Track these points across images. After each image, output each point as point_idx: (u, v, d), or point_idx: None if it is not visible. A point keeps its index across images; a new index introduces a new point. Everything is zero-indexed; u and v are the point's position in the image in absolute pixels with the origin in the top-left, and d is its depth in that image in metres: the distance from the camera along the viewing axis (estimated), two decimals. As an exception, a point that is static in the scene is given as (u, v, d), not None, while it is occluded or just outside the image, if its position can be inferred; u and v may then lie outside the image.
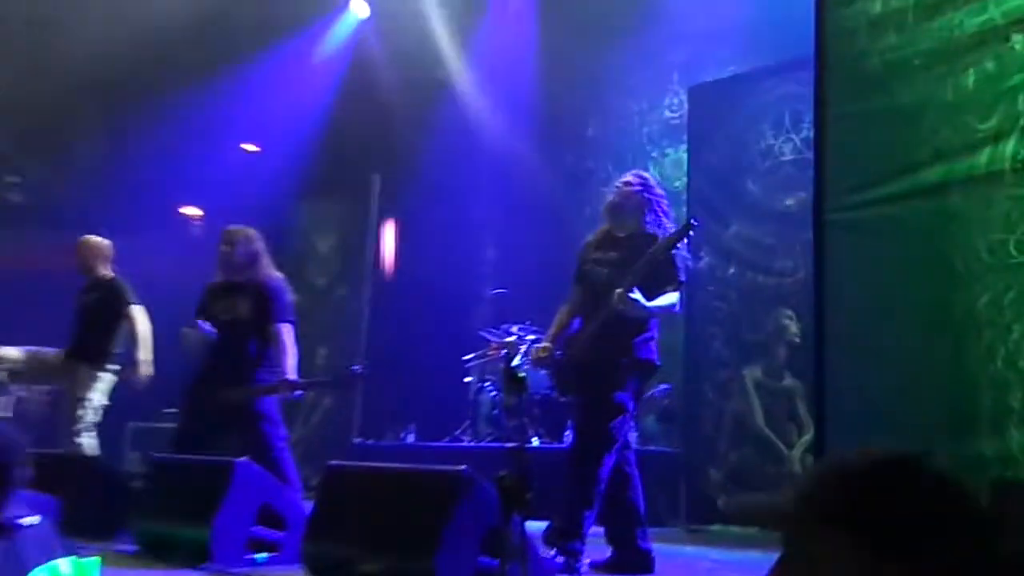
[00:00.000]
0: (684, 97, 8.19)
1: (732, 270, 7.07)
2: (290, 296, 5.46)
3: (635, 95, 9.01)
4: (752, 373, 6.85)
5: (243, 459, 4.50)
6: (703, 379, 7.10)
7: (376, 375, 8.53)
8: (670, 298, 4.33)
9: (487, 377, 8.08)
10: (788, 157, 6.89)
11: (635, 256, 4.33)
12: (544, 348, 4.61)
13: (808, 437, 6.28)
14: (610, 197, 4.59)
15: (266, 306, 5.33)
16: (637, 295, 4.18)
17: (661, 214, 4.51)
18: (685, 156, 7.89)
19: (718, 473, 6.88)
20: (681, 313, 4.85)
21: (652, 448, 7.29)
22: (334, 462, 4.35)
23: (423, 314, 9.48)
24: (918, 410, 3.35)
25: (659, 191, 4.60)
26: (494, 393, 7.87)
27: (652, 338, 4.43)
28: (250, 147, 10.74)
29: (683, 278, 4.42)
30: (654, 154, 8.76)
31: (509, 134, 9.31)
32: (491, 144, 9.47)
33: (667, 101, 8.74)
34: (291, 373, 5.20)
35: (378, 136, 9.92)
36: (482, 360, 8.22)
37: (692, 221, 4.36)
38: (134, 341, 6.16)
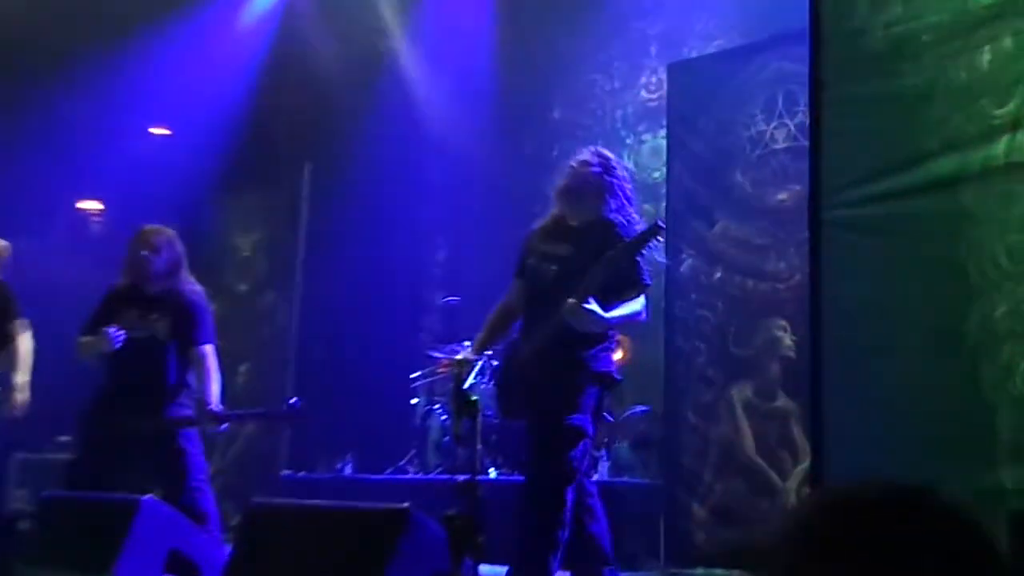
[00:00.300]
0: (663, 75, 8.21)
1: (718, 274, 7.09)
2: (211, 311, 5.48)
3: (606, 72, 9.04)
4: (741, 393, 6.87)
5: (148, 497, 4.46)
6: (684, 400, 7.11)
7: (308, 397, 8.49)
8: (633, 306, 4.30)
9: (437, 399, 8.07)
10: (781, 145, 6.93)
11: (591, 251, 4.26)
12: (460, 360, 4.46)
13: (805, 466, 6.31)
14: (563, 179, 4.53)
15: (188, 324, 5.36)
16: (593, 306, 4.13)
17: (624, 200, 4.45)
18: (664, 143, 7.90)
19: (702, 508, 6.89)
20: (648, 321, 4.78)
21: (626, 480, 7.31)
22: (257, 499, 4.32)
23: (362, 325, 9.45)
24: (929, 435, 3.38)
25: (622, 173, 4.55)
26: (444, 417, 7.85)
27: (610, 348, 4.41)
28: (159, 130, 10.64)
29: (647, 280, 4.41)
30: (629, 140, 8.80)
31: (462, 117, 9.30)
32: (441, 128, 9.45)
33: (643, 80, 8.78)
34: (215, 402, 5.19)
35: (310, 118, 9.87)
36: (431, 379, 8.20)
37: (659, 223, 4.29)
38: (13, 362, 6.11)
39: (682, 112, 7.53)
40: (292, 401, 5.36)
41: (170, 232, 5.57)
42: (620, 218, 4.37)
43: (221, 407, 5.20)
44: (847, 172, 3.69)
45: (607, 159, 4.52)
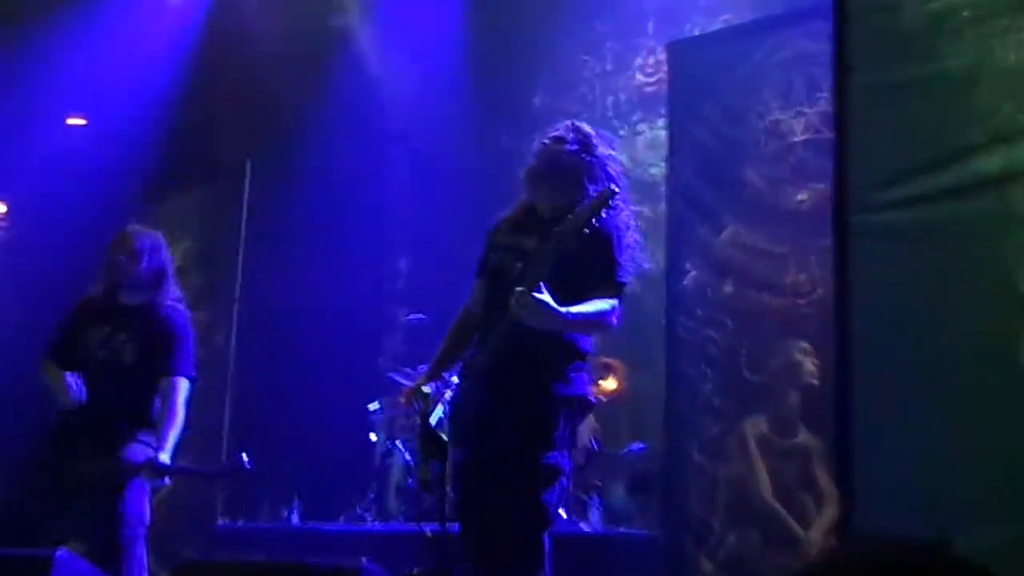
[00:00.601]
0: (662, 56, 8.23)
1: (728, 288, 7.08)
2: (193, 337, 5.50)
3: (596, 52, 9.06)
4: (755, 426, 6.86)
5: (63, 551, 4.41)
6: (689, 435, 7.09)
7: (248, 430, 8.44)
8: (598, 305, 4.13)
9: (398, 435, 8.03)
10: (800, 137, 6.93)
11: (567, 245, 4.10)
12: (416, 389, 4.37)
13: (831, 513, 6.31)
14: (533, 160, 4.41)
15: (161, 349, 5.37)
16: (546, 297, 3.96)
17: (608, 183, 4.28)
18: (663, 135, 7.91)
19: (710, 562, 6.88)
20: (618, 326, 4.43)
21: (621, 530, 7.30)
22: (189, 553, 4.29)
23: (312, 347, 9.40)
24: (976, 475, 3.37)
25: (604, 151, 4.42)
26: (408, 457, 7.82)
27: (582, 368, 4.35)
28: (75, 120, 10.58)
29: (622, 278, 4.31)
30: (623, 131, 8.81)
31: (427, 104, 9.29)
32: (403, 118, 9.46)
33: (639, 61, 8.80)
34: (165, 451, 5.18)
35: (251, 107, 9.84)
36: (392, 411, 8.17)
37: (612, 185, 4.12)
38: None
39: (684, 99, 7.52)
40: (241, 457, 5.32)
41: (156, 236, 5.61)
42: (610, 207, 4.29)
43: (167, 459, 5.17)
44: (878, 169, 3.69)
45: (586, 135, 4.39)
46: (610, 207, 4.07)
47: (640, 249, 4.41)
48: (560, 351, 4.23)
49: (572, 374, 4.26)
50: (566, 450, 4.22)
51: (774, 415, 6.82)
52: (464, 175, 9.33)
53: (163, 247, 5.61)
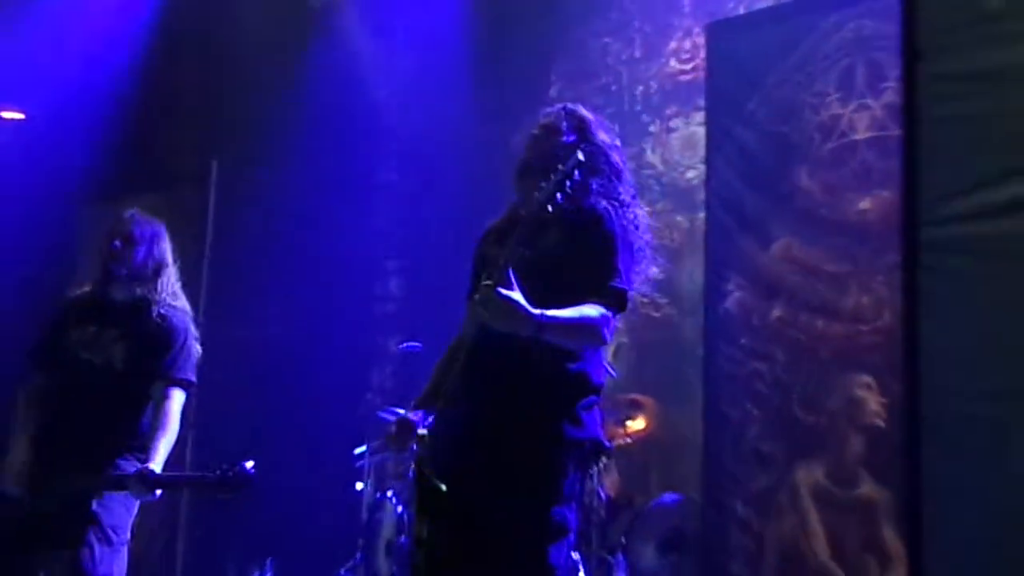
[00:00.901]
0: (699, 39, 8.26)
1: (777, 312, 7.08)
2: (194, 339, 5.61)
3: (623, 35, 9.05)
4: (809, 476, 6.85)
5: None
6: (732, 486, 7.09)
7: (215, 473, 8.41)
8: (584, 311, 4.00)
9: (389, 484, 8.01)
10: (863, 135, 6.92)
11: (534, 230, 3.98)
12: (408, 427, 4.31)
13: (898, 576, 6.30)
14: (522, 154, 4.39)
15: (155, 351, 5.47)
16: (514, 293, 3.82)
17: (610, 176, 4.29)
18: (701, 132, 7.94)
19: (756, 635, 6.88)
20: (609, 342, 4.31)
21: (653, 596, 7.27)
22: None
23: (287, 381, 9.39)
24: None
25: (605, 138, 4.40)
26: (400, 509, 7.80)
27: (596, 403, 4.30)
28: (11, 114, 10.60)
29: (621, 285, 4.23)
30: (653, 128, 8.80)
31: (424, 96, 9.28)
32: (396, 112, 9.43)
33: (672, 45, 8.79)
34: (156, 462, 5.25)
35: (217, 99, 9.87)
36: (382, 456, 8.15)
37: (578, 153, 3.94)
38: None
39: (726, 89, 7.53)
40: (244, 466, 5.34)
41: (157, 225, 5.75)
42: (605, 202, 4.25)
43: (158, 469, 5.24)
44: (956, 173, 3.65)
45: (583, 120, 4.37)
46: (583, 184, 4.01)
47: (653, 257, 4.34)
48: (567, 382, 4.16)
49: (583, 412, 4.19)
50: (575, 503, 4.18)
51: (832, 462, 6.82)
52: (467, 180, 9.30)
53: (164, 237, 5.74)
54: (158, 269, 5.63)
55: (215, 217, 9.66)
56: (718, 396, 7.14)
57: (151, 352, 5.47)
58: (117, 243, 5.57)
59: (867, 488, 6.69)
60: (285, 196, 9.61)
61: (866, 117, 6.93)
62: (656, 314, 8.14)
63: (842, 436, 6.79)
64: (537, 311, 3.83)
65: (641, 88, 8.94)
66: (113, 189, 10.20)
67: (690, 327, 7.93)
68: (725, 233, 7.16)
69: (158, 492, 5.27)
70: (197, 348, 5.63)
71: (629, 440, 7.59)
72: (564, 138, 4.30)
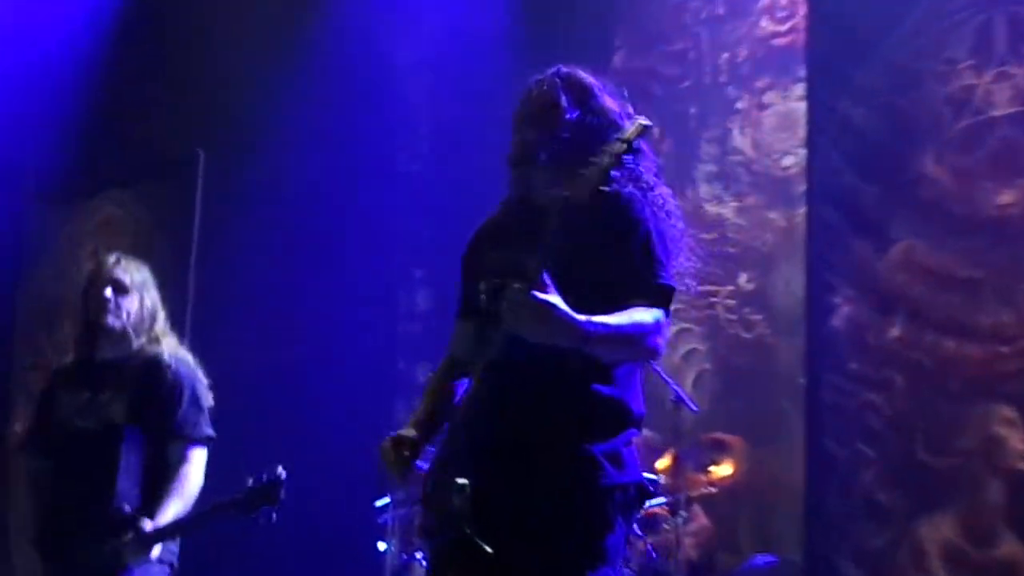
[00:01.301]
0: (799, -7, 8.25)
1: (896, 331, 7.08)
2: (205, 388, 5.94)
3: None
4: (937, 532, 6.85)
5: None
6: (841, 544, 7.11)
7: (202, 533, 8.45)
8: (636, 315, 3.95)
9: (418, 543, 8.00)
10: (1003, 110, 6.90)
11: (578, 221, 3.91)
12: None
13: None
14: (516, 135, 4.38)
15: (162, 406, 5.75)
16: (554, 298, 3.74)
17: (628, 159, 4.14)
18: (802, 108, 7.96)
19: None
20: (663, 353, 4.38)
21: None
22: None
23: (293, 416, 9.41)
24: None
25: (613, 105, 4.34)
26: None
27: (635, 437, 4.24)
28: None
29: (668, 281, 4.17)
30: (741, 103, 8.78)
31: (455, 67, 9.28)
32: (420, 86, 9.46)
33: (765, 1, 8.75)
34: (155, 518, 5.53)
35: (204, 81, 9.91)
36: (408, 509, 8.14)
37: (641, 120, 3.88)
38: None
39: (831, 56, 7.52)
40: (274, 474, 5.50)
41: (143, 268, 6.04)
42: (631, 186, 4.16)
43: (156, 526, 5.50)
44: None
45: (582, 85, 4.35)
46: (633, 170, 3.98)
47: (689, 249, 4.25)
48: (606, 412, 4.10)
49: (624, 449, 4.13)
50: (619, 561, 4.12)
51: (965, 515, 6.83)
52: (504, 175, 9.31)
53: (153, 281, 6.03)
54: (154, 316, 5.90)
55: (202, 217, 9.72)
56: (822, 434, 7.16)
57: (157, 409, 5.74)
58: (107, 293, 5.79)
59: (1010, 547, 6.70)
60: (286, 191, 9.64)
61: (1007, 88, 6.91)
62: (746, 334, 8.09)
63: (978, 483, 6.80)
64: (583, 317, 3.75)
65: (726, 55, 8.90)
66: (82, 181, 10.31)
67: (788, 350, 7.89)
68: (832, 234, 7.17)
69: (152, 554, 5.50)
70: (209, 399, 5.93)
71: (713, 489, 7.55)
72: (567, 114, 4.27)
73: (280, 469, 5.62)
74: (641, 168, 4.24)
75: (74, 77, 9.77)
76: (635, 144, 3.78)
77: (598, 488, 4.04)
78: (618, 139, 3.80)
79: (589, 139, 4.14)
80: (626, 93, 4.54)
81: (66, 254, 10.47)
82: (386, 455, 4.28)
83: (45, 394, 6.03)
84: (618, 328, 3.87)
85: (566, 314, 3.73)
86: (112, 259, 5.93)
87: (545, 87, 4.35)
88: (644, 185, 4.16)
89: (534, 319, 3.72)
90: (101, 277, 5.84)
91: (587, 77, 4.41)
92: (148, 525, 5.45)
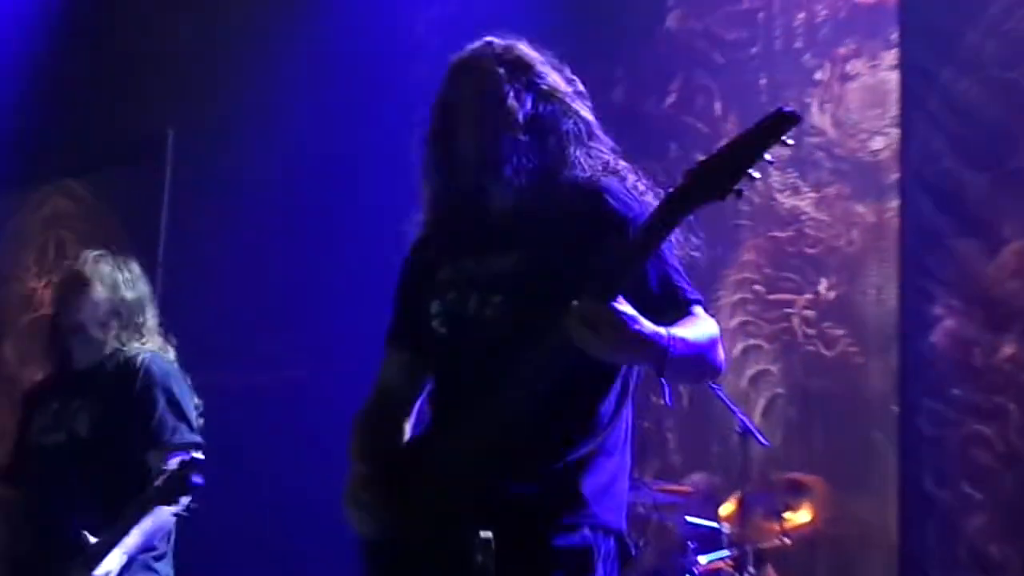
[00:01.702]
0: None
1: (1009, 348, 7.09)
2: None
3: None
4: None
5: None
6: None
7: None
8: (707, 328, 4.02)
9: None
10: None
11: (556, 250, 4.07)
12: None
13: None
14: (453, 119, 4.45)
15: (132, 413, 5.94)
16: (632, 311, 3.75)
17: (587, 138, 4.32)
18: (894, 79, 8.00)
19: None
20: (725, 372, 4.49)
21: None
22: None
23: (285, 436, 9.52)
24: None
25: (559, 81, 4.47)
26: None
27: (621, 486, 4.26)
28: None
29: (691, 293, 4.16)
30: (819, 75, 8.79)
31: (480, 29, 9.32)
32: (433, 51, 9.50)
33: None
34: (128, 549, 5.64)
35: (173, 51, 10.00)
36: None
37: (783, 108, 3.70)
38: None
39: (932, 16, 7.55)
40: (192, 476, 5.62)
41: (130, 264, 6.35)
42: (615, 174, 4.26)
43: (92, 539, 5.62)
44: None
45: (520, 61, 4.42)
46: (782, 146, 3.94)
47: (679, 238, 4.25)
48: (582, 449, 4.12)
49: (609, 492, 4.15)
50: None
51: (1098, 571, 6.83)
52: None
53: (131, 269, 6.34)
54: (132, 313, 6.11)
55: (171, 206, 9.79)
56: (920, 473, 7.16)
57: (128, 415, 5.90)
58: (73, 295, 6.07)
59: None
60: (272, 177, 9.69)
61: None
62: (827, 352, 8.06)
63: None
64: (666, 332, 3.80)
65: (802, 15, 8.92)
66: (41, 164, 10.40)
67: (878, 371, 7.89)
68: (930, 231, 7.19)
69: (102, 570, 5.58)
70: (193, 401, 6.09)
71: (787, 540, 7.57)
72: (519, 112, 4.28)
73: (193, 453, 5.65)
74: (603, 151, 4.34)
75: (34, 51, 9.88)
76: (780, 133, 3.65)
77: (569, 540, 4.03)
78: (753, 132, 3.68)
79: (548, 132, 4.25)
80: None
81: (21, 247, 10.56)
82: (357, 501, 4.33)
83: (19, 417, 6.22)
84: (698, 345, 3.95)
85: (648, 329, 3.78)
86: (85, 256, 6.16)
87: (485, 76, 4.38)
88: (615, 174, 4.27)
89: (612, 333, 3.73)
90: (69, 279, 6.09)
91: (526, 52, 4.47)
92: (91, 540, 5.56)
